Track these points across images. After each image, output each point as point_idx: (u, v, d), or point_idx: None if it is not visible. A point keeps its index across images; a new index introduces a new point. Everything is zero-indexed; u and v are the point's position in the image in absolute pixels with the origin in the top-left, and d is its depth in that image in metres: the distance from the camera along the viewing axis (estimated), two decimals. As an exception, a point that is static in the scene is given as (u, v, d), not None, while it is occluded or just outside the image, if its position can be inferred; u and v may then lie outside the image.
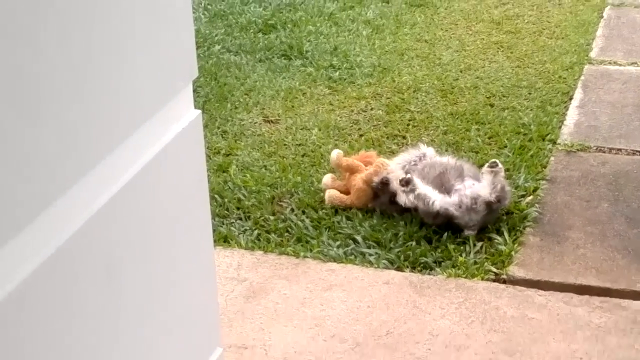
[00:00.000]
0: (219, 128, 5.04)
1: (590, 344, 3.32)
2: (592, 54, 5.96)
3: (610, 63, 5.83)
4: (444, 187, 4.11)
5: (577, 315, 3.48)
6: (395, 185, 4.14)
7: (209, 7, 6.91)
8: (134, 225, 2.37)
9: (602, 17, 6.64)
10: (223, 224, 4.16)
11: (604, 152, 4.72)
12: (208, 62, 5.88)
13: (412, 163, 4.31)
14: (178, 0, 2.14)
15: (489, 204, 4.03)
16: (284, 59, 5.99)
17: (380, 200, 4.21)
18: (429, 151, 4.43)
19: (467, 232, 4.00)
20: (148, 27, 2.05)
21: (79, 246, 1.89)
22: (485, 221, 4.05)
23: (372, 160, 4.36)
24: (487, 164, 4.11)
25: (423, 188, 4.06)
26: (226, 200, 4.33)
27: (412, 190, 4.03)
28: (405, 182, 4.05)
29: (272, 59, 5.98)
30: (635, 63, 5.80)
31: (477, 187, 4.09)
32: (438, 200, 4.03)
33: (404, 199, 4.09)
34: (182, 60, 2.54)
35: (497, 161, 4.09)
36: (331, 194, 4.24)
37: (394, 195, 4.15)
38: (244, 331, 3.43)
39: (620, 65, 5.79)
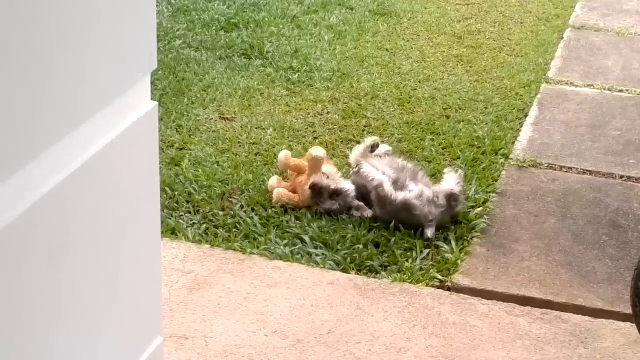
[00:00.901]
0: (174, 122, 5.02)
1: (529, 354, 3.35)
2: (550, 74, 6.01)
3: (567, 84, 5.88)
4: (399, 184, 4.15)
5: (518, 325, 3.51)
6: (328, 187, 4.19)
7: (172, 1, 6.88)
8: (82, 212, 2.36)
9: (562, 38, 6.70)
10: (172, 216, 4.15)
11: (555, 169, 4.76)
12: (168, 57, 5.86)
13: (369, 150, 4.35)
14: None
15: (450, 197, 4.09)
16: (245, 58, 5.98)
17: (322, 202, 4.22)
18: (385, 147, 4.50)
19: (427, 231, 4.03)
20: (110, 16, 2.05)
21: (23, 229, 1.87)
22: (442, 220, 4.09)
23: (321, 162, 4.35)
24: (447, 169, 4.22)
25: (368, 168, 4.11)
26: (177, 193, 4.32)
27: (358, 170, 4.09)
28: (356, 166, 4.13)
29: (232, 57, 5.98)
30: (592, 85, 5.86)
31: (436, 186, 4.19)
32: (386, 183, 4.09)
33: (329, 205, 4.16)
34: (142, 51, 2.53)
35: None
36: (279, 192, 4.24)
37: (335, 195, 4.19)
38: (186, 322, 3.42)
39: (576, 86, 5.85)
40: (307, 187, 4.19)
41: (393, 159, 4.36)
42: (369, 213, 4.19)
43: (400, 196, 4.09)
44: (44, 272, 2.02)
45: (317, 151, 4.30)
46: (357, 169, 4.12)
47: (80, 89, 2.20)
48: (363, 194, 4.26)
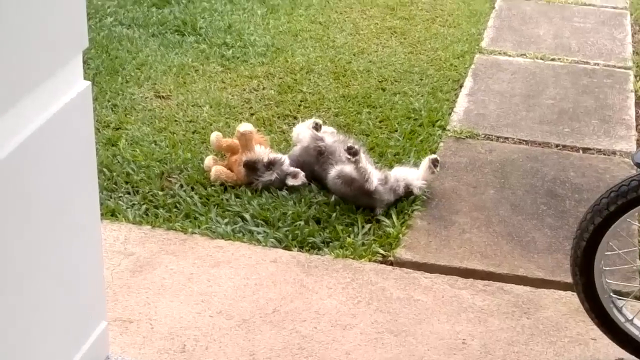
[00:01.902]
0: (109, 101, 4.96)
1: (473, 326, 3.37)
2: (483, 44, 6.05)
3: (500, 53, 5.92)
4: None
5: (461, 298, 3.53)
6: (262, 159, 4.20)
7: (102, -22, 6.80)
8: (17, 194, 2.32)
9: (493, 8, 6.75)
10: (111, 197, 4.10)
11: (492, 140, 4.79)
12: (99, 35, 5.79)
13: (317, 139, 4.33)
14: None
15: (408, 189, 4.15)
16: (177, 34, 5.93)
17: (259, 176, 4.20)
18: (328, 128, 4.50)
19: (377, 210, 4.05)
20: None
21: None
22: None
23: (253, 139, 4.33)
24: (428, 157, 4.27)
25: (365, 162, 4.10)
26: (115, 174, 4.27)
27: (357, 162, 4.05)
28: (353, 153, 4.05)
29: (165, 34, 5.92)
30: (524, 54, 5.90)
31: (399, 171, 4.21)
32: (375, 181, 4.08)
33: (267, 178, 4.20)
34: (72, 29, 2.49)
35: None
36: (218, 169, 4.21)
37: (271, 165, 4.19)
38: (130, 305, 3.39)
39: (509, 55, 5.89)
40: (241, 165, 4.17)
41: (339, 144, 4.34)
42: (302, 177, 4.19)
43: (374, 186, 4.08)
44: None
45: (245, 127, 4.28)
46: (354, 159, 4.06)
47: (8, 71, 2.16)
48: (300, 166, 4.25)
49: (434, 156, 4.27)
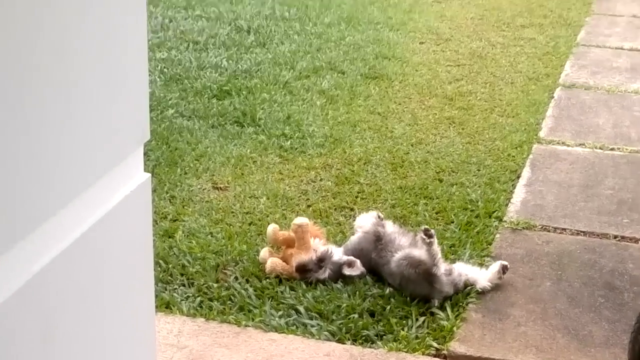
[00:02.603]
0: (167, 193, 5.03)
1: None
2: (542, 134, 6.04)
3: (558, 143, 5.91)
4: None
5: (515, 394, 3.49)
6: (311, 259, 4.21)
7: (165, 70, 6.94)
8: (75, 289, 2.35)
9: (552, 97, 6.75)
10: (166, 289, 4.13)
11: (549, 231, 4.76)
12: (160, 126, 5.89)
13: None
14: (134, 62, 2.15)
15: (468, 284, 4.16)
16: (237, 125, 6.01)
17: (313, 275, 4.22)
18: (390, 223, 4.51)
19: (434, 302, 4.05)
20: (102, 88, 2.05)
21: (16, 308, 1.86)
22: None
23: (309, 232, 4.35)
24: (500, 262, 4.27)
25: (437, 247, 4.14)
26: (170, 265, 4.31)
27: (431, 244, 4.09)
28: (429, 235, 4.10)
29: (224, 125, 6.00)
30: (583, 144, 5.89)
31: (467, 268, 4.22)
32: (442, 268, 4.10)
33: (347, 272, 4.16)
34: (135, 123, 2.53)
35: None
36: (273, 262, 4.23)
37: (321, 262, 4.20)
38: (181, 399, 3.40)
39: (568, 145, 5.87)
40: (294, 268, 4.20)
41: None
42: (360, 266, 4.19)
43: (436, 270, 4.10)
44: (38, 353, 2.01)
45: (300, 220, 4.31)
46: (429, 241, 4.10)
47: (73, 164, 2.20)
48: (358, 254, 4.26)
49: (505, 262, 4.25)
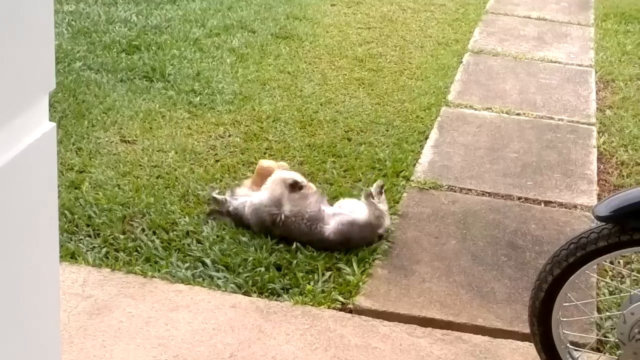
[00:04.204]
0: (74, 145, 4.96)
1: (430, 375, 3.37)
2: (450, 97, 6.10)
3: (466, 107, 5.97)
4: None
5: (419, 347, 3.53)
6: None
7: (72, 23, 6.83)
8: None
9: (461, 62, 6.81)
10: (71, 240, 4.09)
11: (455, 191, 4.82)
12: (68, 78, 5.79)
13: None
14: (38, 10, 2.10)
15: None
16: (146, 80, 5.94)
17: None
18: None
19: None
20: (6, 36, 2.01)
21: None
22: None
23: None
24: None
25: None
26: (76, 216, 4.26)
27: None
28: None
29: (133, 79, 5.93)
30: (490, 108, 5.96)
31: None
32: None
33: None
34: (39, 71, 2.49)
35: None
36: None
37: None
38: (85, 348, 3.36)
39: (475, 109, 5.94)
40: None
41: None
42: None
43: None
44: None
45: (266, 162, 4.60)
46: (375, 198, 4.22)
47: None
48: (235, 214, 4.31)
49: (381, 182, 4.51)
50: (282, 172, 4.36)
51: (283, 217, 4.15)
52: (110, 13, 7.15)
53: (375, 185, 4.42)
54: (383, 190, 4.41)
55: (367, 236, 4.17)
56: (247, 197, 4.30)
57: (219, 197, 4.35)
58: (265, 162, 4.55)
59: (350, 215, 4.18)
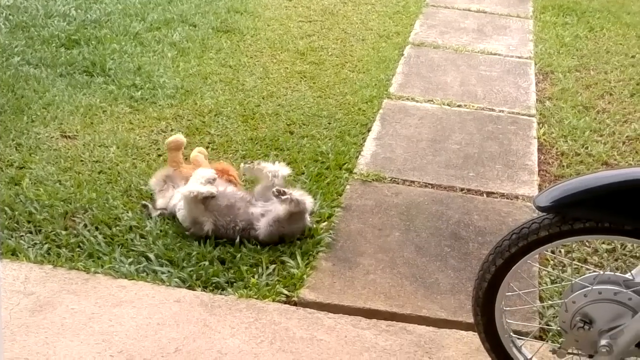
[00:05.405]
0: (13, 140, 4.90)
1: (375, 366, 3.38)
2: (392, 89, 6.11)
3: (408, 99, 5.99)
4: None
5: (364, 338, 3.54)
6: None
7: (10, 17, 6.75)
8: None
9: (402, 55, 6.83)
10: (12, 236, 4.04)
11: (398, 183, 4.83)
12: (6, 74, 5.73)
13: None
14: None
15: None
16: (86, 75, 5.89)
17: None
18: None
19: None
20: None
21: None
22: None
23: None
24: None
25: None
26: (17, 213, 4.21)
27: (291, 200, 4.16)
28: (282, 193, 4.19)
29: (73, 74, 5.87)
30: (432, 100, 5.98)
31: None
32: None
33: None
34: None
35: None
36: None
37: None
38: (28, 345, 3.33)
39: (417, 101, 5.96)
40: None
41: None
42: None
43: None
44: None
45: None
46: (284, 197, 4.16)
47: None
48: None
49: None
50: (190, 186, 4.22)
51: (210, 232, 4.13)
52: (48, 7, 7.08)
53: (275, 178, 4.35)
54: (279, 175, 4.35)
55: (296, 224, 4.16)
56: (172, 207, 4.29)
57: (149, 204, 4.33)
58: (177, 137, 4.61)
59: (274, 212, 4.15)
